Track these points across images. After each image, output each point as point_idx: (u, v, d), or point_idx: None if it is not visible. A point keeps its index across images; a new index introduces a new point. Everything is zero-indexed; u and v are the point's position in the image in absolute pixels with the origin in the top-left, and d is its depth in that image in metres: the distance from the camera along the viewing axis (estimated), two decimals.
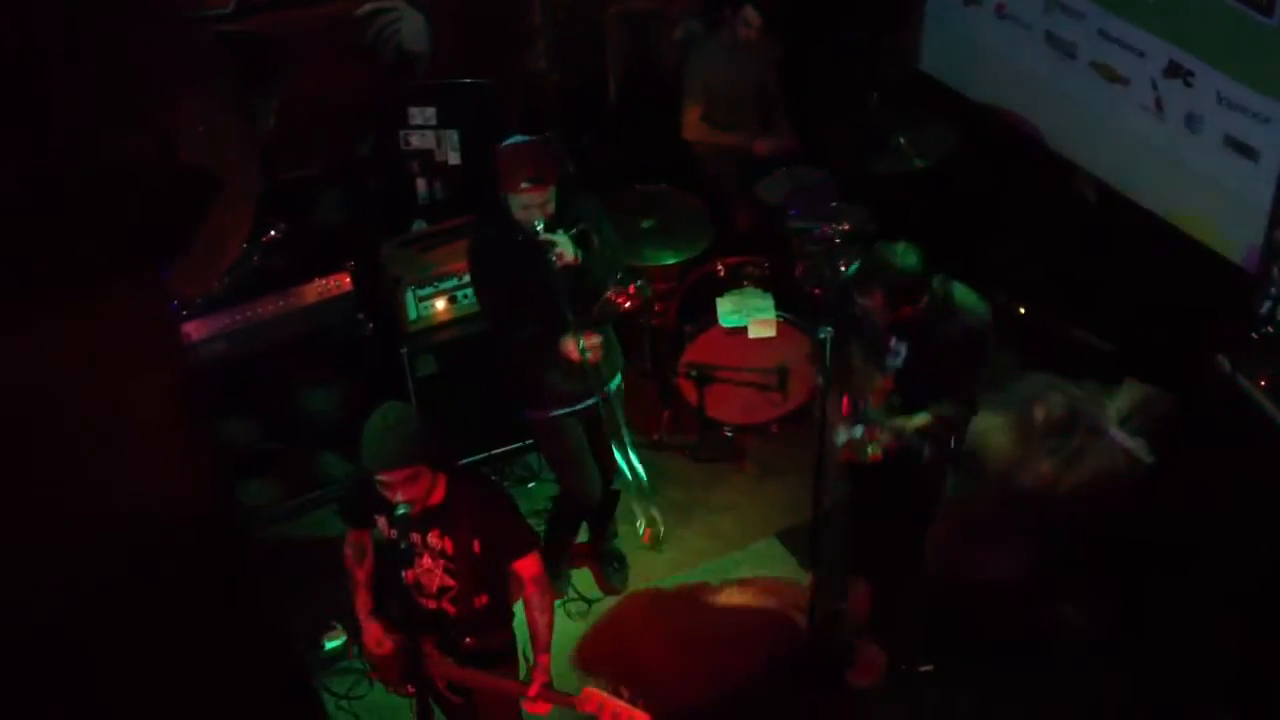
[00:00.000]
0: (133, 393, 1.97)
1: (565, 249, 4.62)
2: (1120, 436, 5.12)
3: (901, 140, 6.14)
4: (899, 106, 6.41)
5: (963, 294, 4.49)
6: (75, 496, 2.00)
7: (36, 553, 2.02)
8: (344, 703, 5.18)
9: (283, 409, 5.72)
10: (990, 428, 5.27)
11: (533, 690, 4.10)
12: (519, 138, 4.73)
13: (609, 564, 5.66)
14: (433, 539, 4.07)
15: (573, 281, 4.66)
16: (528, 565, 4.17)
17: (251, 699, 2.64)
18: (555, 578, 5.51)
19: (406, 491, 3.89)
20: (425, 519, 4.03)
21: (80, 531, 2.02)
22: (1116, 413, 5.18)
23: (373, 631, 4.28)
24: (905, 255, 4.30)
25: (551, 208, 4.64)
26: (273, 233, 5.62)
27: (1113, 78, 5.84)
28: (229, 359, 5.49)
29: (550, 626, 4.22)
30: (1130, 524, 5.10)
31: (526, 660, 4.30)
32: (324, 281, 5.60)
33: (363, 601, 4.33)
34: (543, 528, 5.52)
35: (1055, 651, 5.12)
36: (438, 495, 4.03)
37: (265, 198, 5.82)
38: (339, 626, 5.33)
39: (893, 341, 4.44)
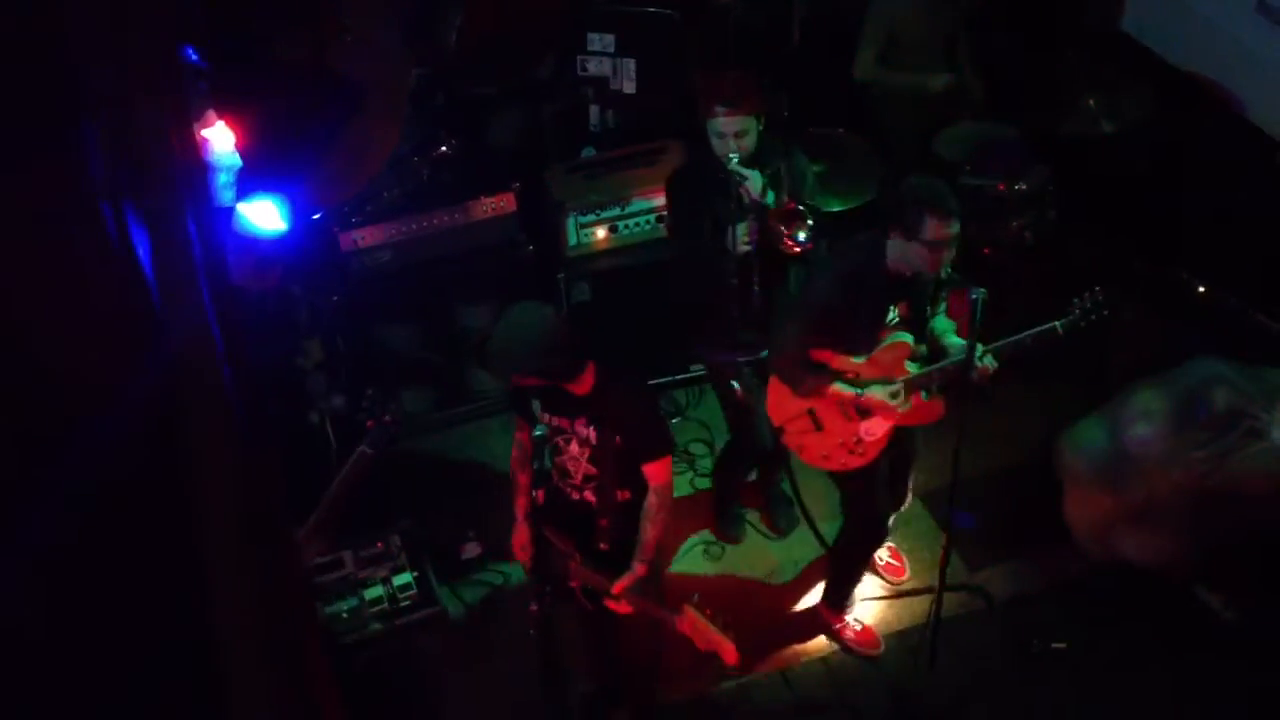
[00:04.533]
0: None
1: (753, 185, 4.58)
2: None
3: (1092, 101, 5.89)
4: (1095, 66, 6.14)
5: None
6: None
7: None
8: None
9: (441, 321, 5.84)
10: (1150, 411, 5.06)
11: (617, 588, 4.15)
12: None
13: (777, 506, 5.65)
14: (580, 426, 4.17)
15: (758, 221, 4.63)
16: (657, 471, 4.20)
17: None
18: (728, 520, 5.58)
19: (535, 384, 4.08)
20: (575, 406, 4.14)
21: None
22: None
23: (521, 535, 4.40)
24: None
25: (749, 143, 4.57)
26: (444, 148, 5.70)
27: None
28: (393, 268, 5.61)
29: (657, 540, 4.24)
30: None
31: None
32: (490, 200, 5.67)
33: (521, 505, 4.43)
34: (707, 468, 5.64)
35: (1198, 642, 4.96)
36: (585, 386, 4.11)
37: (441, 113, 5.92)
38: (475, 538, 5.47)
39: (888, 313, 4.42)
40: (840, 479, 4.86)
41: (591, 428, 4.15)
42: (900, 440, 4.75)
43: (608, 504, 4.23)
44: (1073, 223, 5.98)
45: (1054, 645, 5.00)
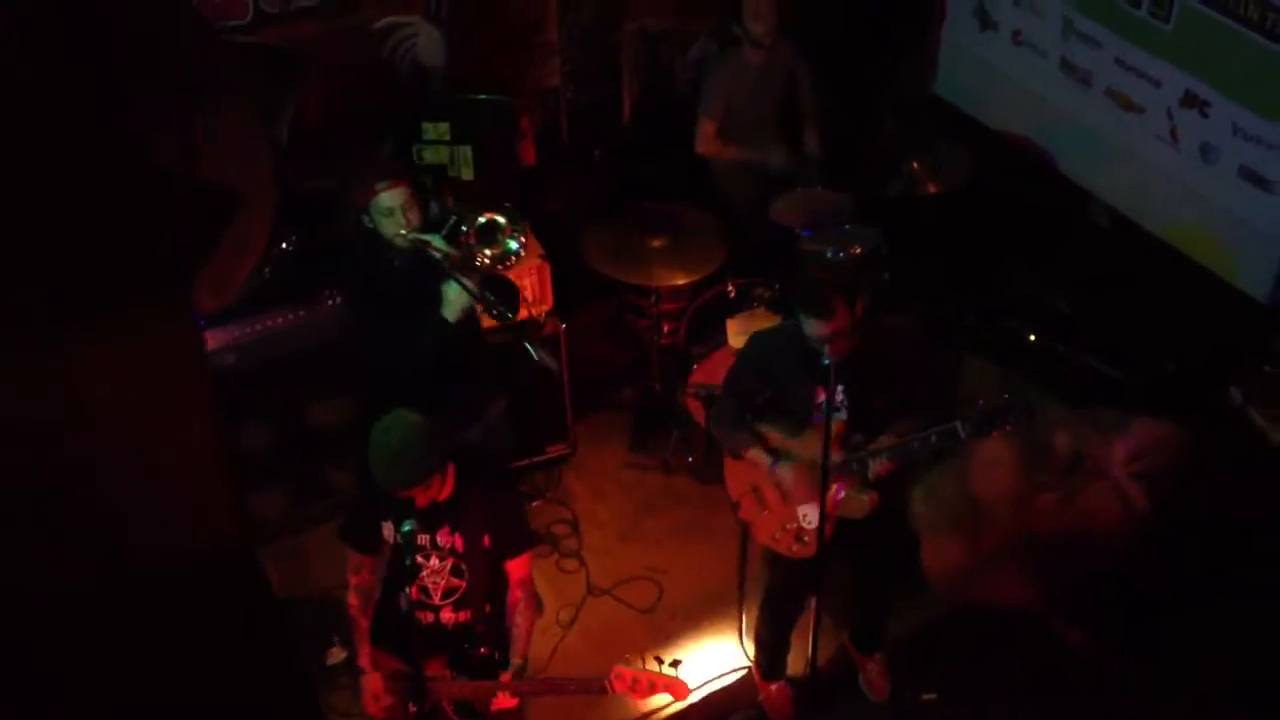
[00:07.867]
0: (161, 420, 1.85)
1: (439, 244, 4.63)
2: (1122, 481, 5.08)
3: (915, 164, 6.13)
4: (914, 130, 6.40)
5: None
6: (97, 524, 1.89)
7: (55, 581, 1.90)
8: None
9: (292, 421, 5.71)
10: (996, 458, 5.24)
11: (505, 678, 4.08)
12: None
13: None
14: (441, 537, 4.05)
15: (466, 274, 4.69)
16: (520, 565, 4.17)
17: None
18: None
19: (424, 497, 3.93)
20: (434, 517, 4.02)
21: (101, 561, 1.90)
22: (1125, 454, 5.13)
23: (372, 684, 4.23)
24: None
25: (416, 215, 4.64)
26: (284, 245, 5.61)
27: (1128, 106, 5.82)
28: (238, 371, 5.48)
29: (530, 633, 4.20)
30: (1134, 563, 5.06)
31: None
32: (334, 294, 5.59)
33: (365, 652, 4.27)
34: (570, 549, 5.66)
35: (1059, 679, 5.10)
36: (447, 489, 4.02)
37: (278, 209, 5.83)
38: (340, 643, 5.33)
39: (819, 396, 4.33)
40: (775, 559, 4.85)
41: (456, 534, 4.04)
42: (858, 546, 4.75)
43: (478, 618, 4.16)
44: (907, 282, 6.19)
45: (924, 696, 5.10)
